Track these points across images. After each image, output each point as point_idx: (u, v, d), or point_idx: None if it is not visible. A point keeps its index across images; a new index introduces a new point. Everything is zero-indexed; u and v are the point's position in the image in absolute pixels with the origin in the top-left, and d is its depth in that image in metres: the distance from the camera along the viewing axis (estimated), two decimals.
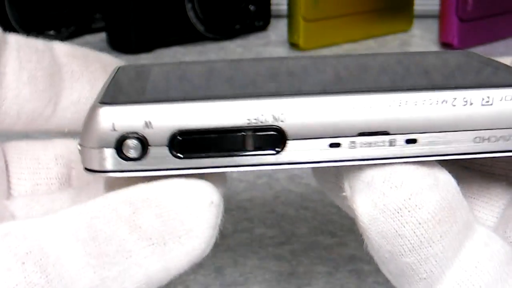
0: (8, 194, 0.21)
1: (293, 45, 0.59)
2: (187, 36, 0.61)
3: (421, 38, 0.63)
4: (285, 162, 0.17)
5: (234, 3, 0.62)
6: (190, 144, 0.17)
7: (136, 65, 0.24)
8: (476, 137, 0.17)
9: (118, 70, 0.22)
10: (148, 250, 0.16)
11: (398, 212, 0.16)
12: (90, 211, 0.16)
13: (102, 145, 0.17)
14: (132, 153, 0.17)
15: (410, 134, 0.17)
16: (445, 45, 0.59)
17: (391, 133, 0.17)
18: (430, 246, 0.16)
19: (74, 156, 0.22)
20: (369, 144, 0.17)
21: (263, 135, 0.17)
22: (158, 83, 0.21)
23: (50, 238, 0.16)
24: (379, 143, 0.17)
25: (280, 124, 0.17)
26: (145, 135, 0.17)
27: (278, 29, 0.65)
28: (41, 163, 0.22)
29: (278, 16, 0.67)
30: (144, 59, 0.57)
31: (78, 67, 0.23)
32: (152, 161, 0.17)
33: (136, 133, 0.17)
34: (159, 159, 0.17)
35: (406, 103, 0.17)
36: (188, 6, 0.60)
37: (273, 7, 0.67)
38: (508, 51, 0.58)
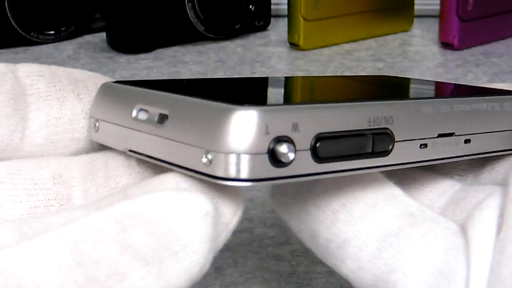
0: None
1: (293, 45, 0.59)
2: (187, 36, 0.61)
3: (422, 38, 0.63)
4: (393, 163, 0.18)
5: (234, 3, 0.62)
6: (327, 147, 0.17)
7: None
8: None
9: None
10: (143, 271, 0.15)
11: None
12: (73, 234, 0.15)
13: (252, 151, 0.16)
14: (285, 158, 0.16)
15: (468, 135, 0.20)
16: (445, 45, 0.59)
17: (456, 134, 0.19)
18: None
19: (74, 173, 0.19)
20: (443, 145, 0.19)
21: (381, 137, 0.18)
22: (276, 90, 0.20)
23: (27, 268, 0.14)
24: (449, 144, 0.19)
25: (389, 126, 0.18)
26: (292, 139, 0.16)
27: (278, 29, 0.65)
28: (37, 184, 0.19)
29: (278, 16, 0.67)
30: (144, 59, 0.57)
31: (45, 86, 0.21)
32: (297, 166, 0.16)
33: (287, 136, 0.16)
34: (303, 164, 0.16)
35: (466, 108, 0.20)
36: (188, 6, 0.60)
37: (273, 7, 0.67)
38: (508, 51, 0.58)
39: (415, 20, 0.65)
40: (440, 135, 0.19)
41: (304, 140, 0.16)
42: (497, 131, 0.20)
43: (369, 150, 0.17)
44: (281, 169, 0.16)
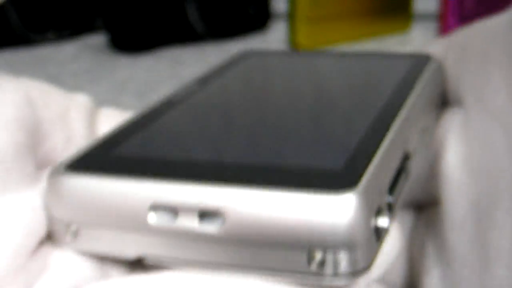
0: None
1: (293, 45, 0.59)
2: (187, 36, 0.61)
3: (421, 38, 0.63)
4: None
5: (234, 3, 0.62)
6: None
7: None
8: None
9: None
10: None
11: None
12: None
13: (366, 235, 0.13)
14: (385, 227, 0.14)
15: None
16: None
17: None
18: None
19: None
20: None
21: None
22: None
23: None
24: None
25: None
26: (389, 203, 0.15)
27: (278, 29, 0.65)
28: None
29: (278, 16, 0.67)
30: (144, 59, 0.57)
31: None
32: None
33: (384, 204, 0.14)
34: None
35: None
36: (188, 6, 0.60)
37: (273, 7, 0.67)
38: None
39: (414, 20, 0.66)
40: None
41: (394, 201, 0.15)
42: None
43: None
44: (379, 240, 0.14)
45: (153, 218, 0.14)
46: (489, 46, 0.21)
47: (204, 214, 0.14)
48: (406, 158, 0.16)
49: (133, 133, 0.18)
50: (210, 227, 0.14)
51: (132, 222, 0.14)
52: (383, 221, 0.14)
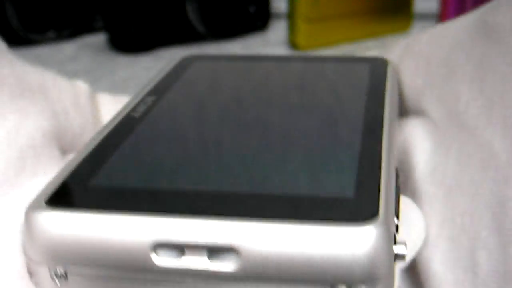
0: None
1: (293, 45, 0.59)
2: (187, 36, 0.61)
3: None
4: None
5: (234, 4, 0.62)
6: None
7: None
8: None
9: None
10: None
11: None
12: None
13: (391, 267, 0.13)
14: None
15: None
16: None
17: None
18: None
19: None
20: None
21: None
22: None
23: None
24: None
25: None
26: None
27: (278, 30, 0.65)
28: None
29: (278, 16, 0.67)
30: (144, 59, 0.57)
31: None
32: None
33: (396, 228, 0.14)
34: None
35: None
36: (189, 6, 0.60)
37: (273, 7, 0.67)
38: None
39: (415, 20, 0.66)
40: None
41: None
42: None
43: None
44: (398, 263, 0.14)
45: (156, 258, 0.13)
46: (454, 57, 0.20)
47: (214, 252, 0.13)
48: (397, 176, 0.16)
49: (106, 159, 0.16)
50: (225, 265, 0.13)
51: (133, 261, 0.13)
52: (401, 248, 0.13)
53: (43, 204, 0.14)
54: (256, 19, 0.65)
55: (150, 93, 0.21)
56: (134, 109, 0.19)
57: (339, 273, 0.12)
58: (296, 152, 0.16)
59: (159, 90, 0.21)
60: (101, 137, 0.17)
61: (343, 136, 0.17)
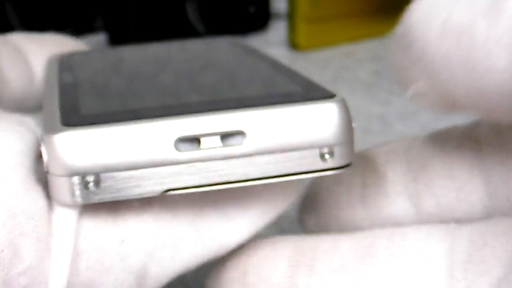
0: None
1: (293, 45, 0.59)
2: (187, 36, 0.61)
3: None
4: None
5: (234, 4, 0.62)
6: None
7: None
8: None
9: None
10: None
11: None
12: None
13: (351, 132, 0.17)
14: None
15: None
16: None
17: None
18: None
19: None
20: None
21: None
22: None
23: None
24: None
25: None
26: None
27: (278, 29, 0.65)
28: None
29: (278, 16, 0.67)
30: None
31: (36, 47, 0.25)
32: None
33: None
34: None
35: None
36: (188, 6, 0.60)
37: (272, 7, 0.67)
38: None
39: None
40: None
41: None
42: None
43: None
44: None
45: (180, 149, 0.16)
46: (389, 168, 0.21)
47: (225, 137, 0.16)
48: None
49: (82, 96, 0.19)
50: (234, 144, 0.16)
51: (159, 157, 0.16)
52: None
53: (64, 126, 0.16)
54: (256, 19, 0.65)
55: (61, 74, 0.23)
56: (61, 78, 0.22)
57: (323, 138, 0.17)
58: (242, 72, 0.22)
59: (66, 72, 0.23)
60: (55, 87, 0.20)
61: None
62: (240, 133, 0.16)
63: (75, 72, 0.22)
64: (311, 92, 0.18)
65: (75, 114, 0.17)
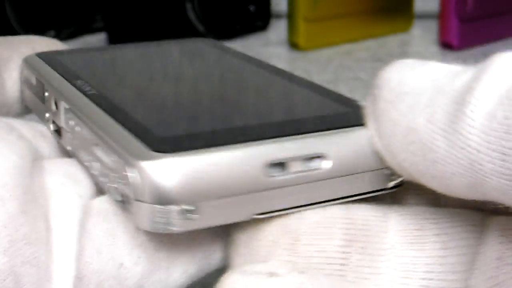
0: None
1: (293, 45, 0.59)
2: (187, 36, 0.61)
3: (421, 38, 0.63)
4: None
5: (234, 3, 0.62)
6: None
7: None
8: None
9: None
10: None
11: None
12: None
13: None
14: None
15: None
16: (445, 45, 0.59)
17: None
18: None
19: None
20: None
21: None
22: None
23: None
24: None
25: None
26: None
27: (278, 29, 0.65)
28: None
29: (278, 16, 0.67)
30: None
31: (6, 51, 0.24)
32: None
33: None
34: None
35: None
36: (188, 6, 0.60)
37: (273, 7, 0.67)
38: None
39: (415, 20, 0.65)
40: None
41: None
42: None
43: None
44: None
45: (270, 174, 0.16)
46: None
47: (308, 160, 0.17)
48: None
49: (152, 116, 0.19)
50: (316, 167, 0.17)
51: (250, 183, 0.16)
52: None
53: (155, 153, 0.16)
54: (257, 19, 0.65)
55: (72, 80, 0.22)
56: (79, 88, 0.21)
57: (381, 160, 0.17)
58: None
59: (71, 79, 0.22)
60: (108, 107, 0.19)
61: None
62: (322, 156, 0.17)
63: (96, 82, 0.21)
64: (357, 111, 0.18)
65: (158, 137, 0.16)
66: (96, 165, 0.18)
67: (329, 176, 0.17)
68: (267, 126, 0.17)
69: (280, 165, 0.16)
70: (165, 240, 0.17)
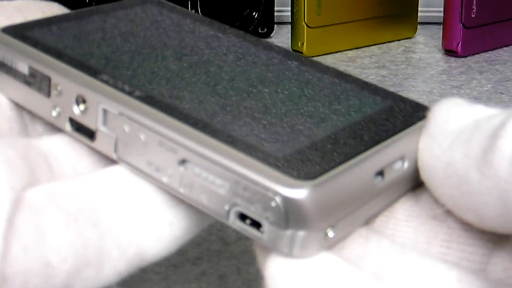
0: None
1: (297, 52, 0.59)
2: None
3: (425, 45, 0.63)
4: None
5: (237, 10, 0.62)
6: None
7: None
8: None
9: None
10: None
11: None
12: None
13: None
14: None
15: None
16: (449, 52, 0.59)
17: None
18: None
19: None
20: None
21: None
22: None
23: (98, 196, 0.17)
24: None
25: None
26: None
27: (281, 36, 0.65)
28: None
29: (282, 23, 0.67)
30: None
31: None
32: None
33: None
34: None
35: None
36: (190, 10, 0.60)
37: (276, 14, 0.67)
38: None
39: (419, 27, 0.65)
40: None
41: None
42: None
43: None
44: None
45: (378, 181, 0.17)
46: None
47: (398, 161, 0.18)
48: None
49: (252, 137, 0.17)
50: (400, 168, 0.18)
51: (366, 193, 0.17)
52: None
53: (298, 181, 0.16)
54: (260, 26, 0.65)
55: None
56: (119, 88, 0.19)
57: None
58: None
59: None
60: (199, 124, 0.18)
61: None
62: (403, 157, 0.18)
63: (127, 77, 0.19)
64: (414, 108, 0.19)
65: (286, 159, 0.16)
66: (191, 182, 0.17)
67: (408, 175, 0.18)
68: (360, 135, 0.18)
69: (381, 172, 0.17)
70: (93, 237, 0.17)
